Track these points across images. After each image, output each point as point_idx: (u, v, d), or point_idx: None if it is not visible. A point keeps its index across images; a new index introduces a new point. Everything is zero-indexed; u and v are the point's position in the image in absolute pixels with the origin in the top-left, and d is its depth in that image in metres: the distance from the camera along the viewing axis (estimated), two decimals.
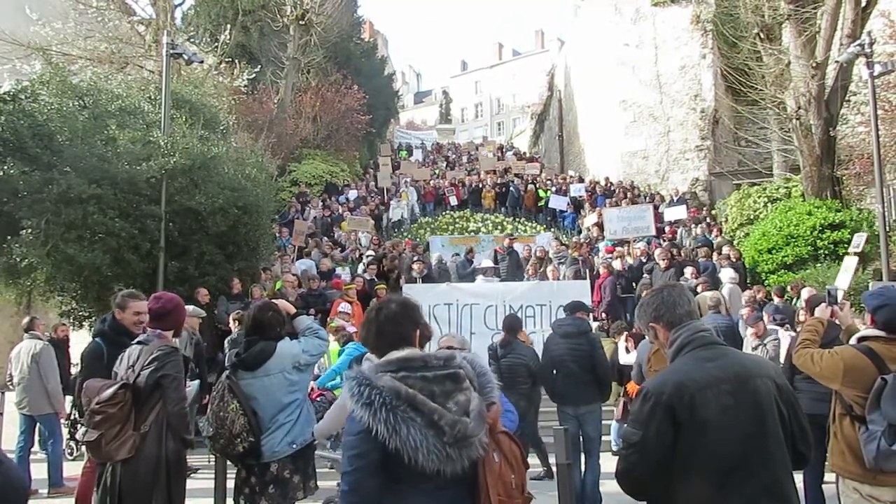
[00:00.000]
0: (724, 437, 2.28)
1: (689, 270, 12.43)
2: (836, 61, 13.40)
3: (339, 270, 13.69)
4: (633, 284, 13.13)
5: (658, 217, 18.29)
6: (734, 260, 13.17)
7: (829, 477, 6.11)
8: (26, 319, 8.32)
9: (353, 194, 22.24)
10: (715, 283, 11.62)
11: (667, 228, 16.89)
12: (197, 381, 7.08)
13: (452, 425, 2.22)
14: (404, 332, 2.51)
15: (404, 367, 2.32)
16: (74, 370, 9.23)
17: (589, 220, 18.74)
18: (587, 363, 6.64)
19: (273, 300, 4.78)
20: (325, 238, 17.09)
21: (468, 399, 2.32)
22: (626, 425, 2.41)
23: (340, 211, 19.79)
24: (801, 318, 7.55)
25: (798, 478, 5.67)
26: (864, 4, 13.75)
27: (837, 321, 4.25)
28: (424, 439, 2.19)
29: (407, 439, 2.17)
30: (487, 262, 14.31)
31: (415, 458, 2.17)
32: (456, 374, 2.36)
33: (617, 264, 13.44)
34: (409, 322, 2.54)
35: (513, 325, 7.29)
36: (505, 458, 2.43)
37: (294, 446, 3.96)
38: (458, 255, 15.62)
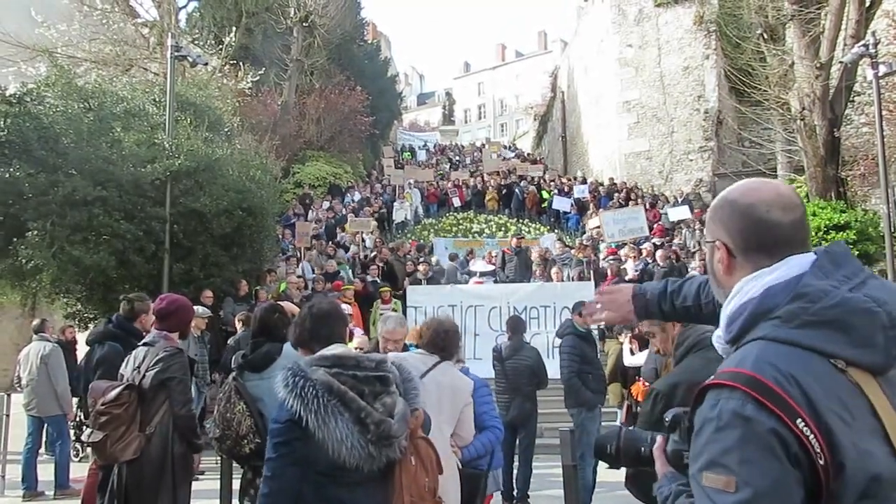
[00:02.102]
0: None
1: (692, 265, 12.55)
2: (841, 62, 13.38)
3: (341, 273, 13.68)
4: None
5: (660, 217, 18.29)
6: None
7: None
8: (36, 321, 8.33)
9: (355, 196, 22.27)
10: None
11: (654, 227, 16.83)
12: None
13: (378, 424, 2.33)
14: (338, 330, 2.69)
15: (338, 364, 2.44)
16: None
17: (592, 222, 18.72)
18: (562, 366, 6.71)
19: (278, 302, 4.80)
20: (329, 240, 17.10)
21: (394, 402, 2.44)
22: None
23: (344, 212, 19.80)
24: None
25: None
26: (868, 5, 13.71)
27: None
28: (350, 434, 2.29)
29: (334, 432, 2.28)
30: (482, 266, 14.27)
31: (338, 451, 2.28)
32: (385, 377, 2.49)
33: (630, 265, 13.42)
34: (340, 321, 2.73)
35: (516, 326, 7.28)
36: (421, 462, 2.53)
37: None
38: (457, 255, 15.65)
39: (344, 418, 2.31)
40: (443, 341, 3.56)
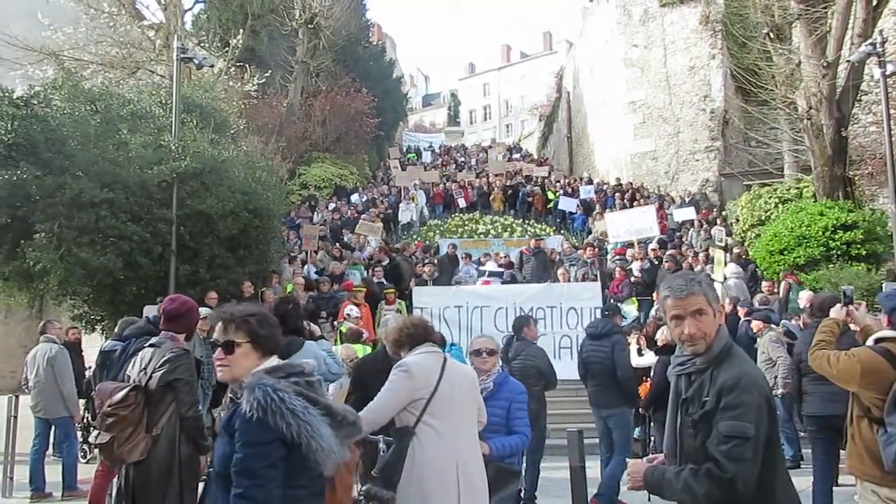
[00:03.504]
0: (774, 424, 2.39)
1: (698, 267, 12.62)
2: (848, 61, 13.30)
3: (356, 273, 13.65)
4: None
5: (666, 218, 18.22)
6: (742, 257, 13.20)
7: (843, 479, 6.07)
8: (42, 323, 8.35)
9: (362, 197, 22.27)
10: None
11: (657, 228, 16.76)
12: None
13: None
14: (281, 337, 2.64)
15: (291, 372, 2.36)
16: (88, 373, 9.29)
17: (600, 224, 18.67)
18: (608, 366, 6.70)
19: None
20: (335, 241, 17.10)
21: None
22: (731, 421, 2.22)
23: (349, 214, 19.83)
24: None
25: (806, 481, 5.63)
26: (875, 3, 13.64)
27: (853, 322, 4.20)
28: (334, 440, 2.26)
29: (325, 439, 2.21)
30: (492, 266, 14.24)
31: (326, 459, 2.21)
32: (319, 380, 2.49)
33: (636, 266, 13.37)
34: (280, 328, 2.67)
35: (522, 326, 7.26)
36: (345, 463, 2.53)
37: None
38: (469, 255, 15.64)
39: (326, 425, 2.25)
40: (431, 326, 3.57)
